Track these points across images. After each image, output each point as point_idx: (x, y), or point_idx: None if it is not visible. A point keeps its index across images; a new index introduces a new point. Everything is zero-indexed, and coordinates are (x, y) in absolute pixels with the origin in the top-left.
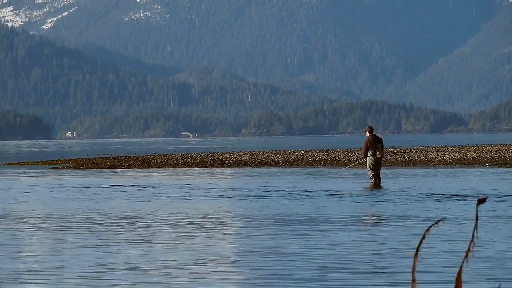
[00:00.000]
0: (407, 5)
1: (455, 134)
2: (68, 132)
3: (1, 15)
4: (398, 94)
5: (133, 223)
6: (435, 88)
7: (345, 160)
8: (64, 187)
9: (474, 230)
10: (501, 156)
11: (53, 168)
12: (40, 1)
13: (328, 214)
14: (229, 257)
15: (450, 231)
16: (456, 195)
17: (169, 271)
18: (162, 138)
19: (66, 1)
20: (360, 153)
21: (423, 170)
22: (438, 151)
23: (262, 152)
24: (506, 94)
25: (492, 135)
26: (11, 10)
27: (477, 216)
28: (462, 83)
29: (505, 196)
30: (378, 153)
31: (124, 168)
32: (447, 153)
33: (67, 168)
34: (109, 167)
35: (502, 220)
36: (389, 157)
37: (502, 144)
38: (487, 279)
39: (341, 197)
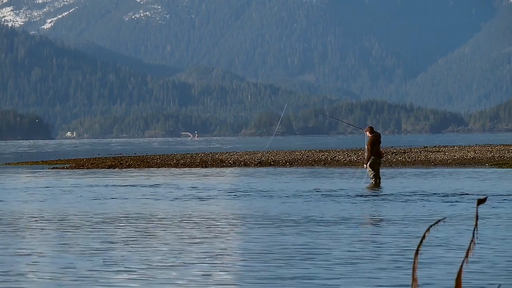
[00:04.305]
0: (407, 5)
1: (455, 134)
2: (68, 132)
3: (1, 15)
4: (398, 94)
5: (133, 223)
6: (435, 88)
7: (345, 160)
8: (63, 187)
9: (474, 230)
10: (501, 156)
11: (53, 168)
12: (40, 1)
13: (328, 214)
14: (229, 257)
15: (450, 231)
16: (456, 195)
17: (169, 270)
18: (162, 138)
19: (66, 1)
20: (366, 156)
21: (423, 170)
22: (438, 151)
23: (262, 152)
24: (506, 94)
25: (492, 135)
26: (11, 10)
27: (477, 216)
28: (462, 83)
29: (505, 196)
30: (379, 152)
31: (124, 168)
32: (447, 153)
33: (67, 168)
34: (109, 167)
35: (502, 220)
36: (389, 157)
37: (502, 144)
38: (487, 279)
39: (341, 197)
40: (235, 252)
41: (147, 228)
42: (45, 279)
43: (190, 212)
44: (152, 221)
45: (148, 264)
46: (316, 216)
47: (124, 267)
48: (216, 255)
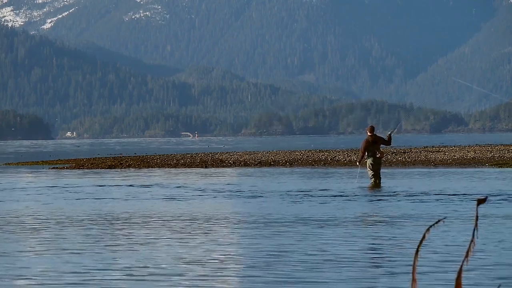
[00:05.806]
0: (407, 5)
1: (455, 134)
2: (68, 132)
3: (1, 15)
4: (398, 94)
5: (132, 223)
6: (435, 88)
7: (345, 160)
8: (63, 187)
9: (474, 230)
10: (501, 156)
11: (53, 168)
12: (40, 1)
13: (328, 214)
14: (228, 257)
15: (450, 231)
16: (456, 195)
17: (168, 271)
18: (162, 138)
19: (66, 1)
20: (358, 154)
21: (423, 170)
22: (438, 151)
23: (262, 152)
24: (506, 94)
25: (492, 135)
26: (11, 10)
27: (477, 216)
28: (462, 83)
29: (505, 196)
30: (377, 153)
31: (124, 168)
32: (447, 153)
33: (67, 168)
34: (109, 167)
35: (502, 220)
36: (389, 157)
37: (502, 144)
38: (486, 279)
39: (341, 197)
40: (233, 252)
41: (145, 228)
42: (42, 279)
43: (189, 212)
44: (151, 221)
45: (147, 265)
46: (316, 216)
47: (121, 267)
48: (214, 256)
